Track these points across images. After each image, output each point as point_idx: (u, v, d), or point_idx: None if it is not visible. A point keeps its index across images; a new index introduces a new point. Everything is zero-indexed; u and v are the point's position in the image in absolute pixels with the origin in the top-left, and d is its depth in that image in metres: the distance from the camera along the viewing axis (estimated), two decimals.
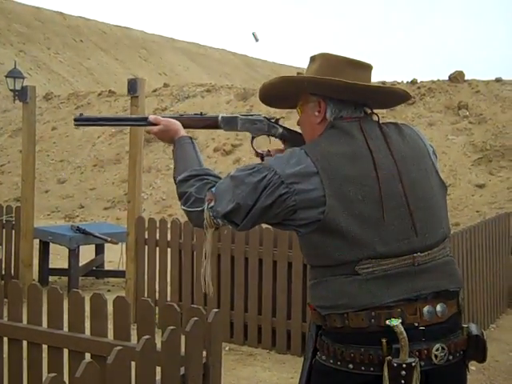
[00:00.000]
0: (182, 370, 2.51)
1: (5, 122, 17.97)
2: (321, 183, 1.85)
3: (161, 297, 6.12)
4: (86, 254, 8.28)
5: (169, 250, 6.08)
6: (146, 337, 2.35)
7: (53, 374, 2.04)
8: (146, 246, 6.22)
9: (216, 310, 2.74)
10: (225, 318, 5.64)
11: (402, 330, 1.82)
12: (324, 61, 2.03)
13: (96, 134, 16.37)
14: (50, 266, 7.98)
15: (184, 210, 2.02)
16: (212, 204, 1.94)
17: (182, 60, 37.64)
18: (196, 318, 2.59)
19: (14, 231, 7.15)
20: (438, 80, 15.04)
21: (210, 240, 2.02)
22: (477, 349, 1.98)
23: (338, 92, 1.97)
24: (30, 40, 25.28)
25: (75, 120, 2.30)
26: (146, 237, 6.21)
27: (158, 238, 6.14)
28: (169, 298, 6.07)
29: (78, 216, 13.83)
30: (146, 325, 2.83)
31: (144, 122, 2.29)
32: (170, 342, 2.43)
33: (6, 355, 3.36)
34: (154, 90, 18.40)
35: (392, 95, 2.10)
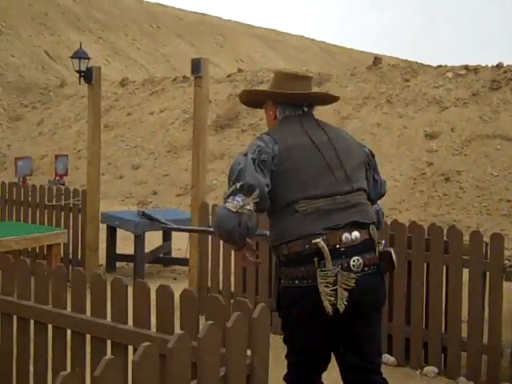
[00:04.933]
0: (223, 371, 2.23)
1: (82, 107, 18.19)
2: (278, 149, 2.82)
3: (224, 286, 5.88)
4: (155, 240, 8.15)
5: None
6: (180, 332, 2.10)
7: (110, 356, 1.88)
8: None
9: (263, 304, 2.45)
10: None
11: (324, 244, 2.69)
12: (275, 76, 3.14)
13: (170, 119, 16.33)
14: (118, 251, 7.91)
15: None
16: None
17: (259, 46, 37.40)
18: (239, 313, 2.31)
19: (80, 215, 7.06)
20: None
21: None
22: (387, 261, 2.85)
23: (282, 99, 3.00)
24: (109, 27, 25.58)
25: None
26: (210, 224, 5.98)
27: None
28: (232, 289, 5.83)
29: (150, 202, 13.80)
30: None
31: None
32: (207, 339, 2.15)
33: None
34: (228, 76, 18.19)
35: (324, 97, 3.33)
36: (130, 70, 24.12)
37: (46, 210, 7.29)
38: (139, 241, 7.12)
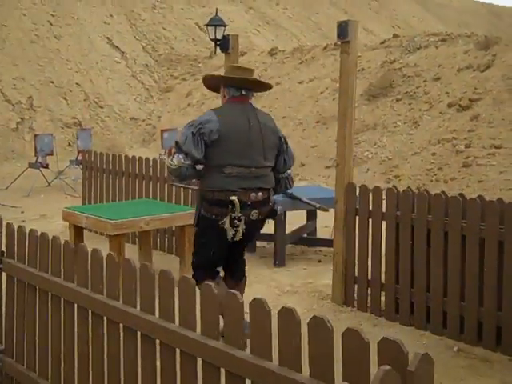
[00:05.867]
0: None
1: None
2: (218, 124, 4.18)
3: (373, 277, 5.18)
4: (301, 218, 7.57)
5: (383, 222, 5.09)
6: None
7: None
8: (358, 217, 5.29)
9: (422, 353, 1.73)
10: (453, 310, 4.57)
11: (237, 201, 4.18)
12: (226, 68, 4.90)
13: (319, 89, 15.60)
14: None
15: None
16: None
17: (417, 10, 35.48)
18: (388, 368, 1.61)
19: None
20: None
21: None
22: (272, 213, 4.51)
23: (228, 81, 4.38)
24: None
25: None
26: (357, 206, 5.28)
27: (371, 208, 5.18)
28: (383, 279, 5.11)
29: (298, 175, 13.21)
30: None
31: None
32: None
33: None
34: (382, 42, 17.09)
35: (259, 84, 4.67)
36: (281, 39, 23.56)
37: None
38: (279, 221, 6.56)
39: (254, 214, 4.28)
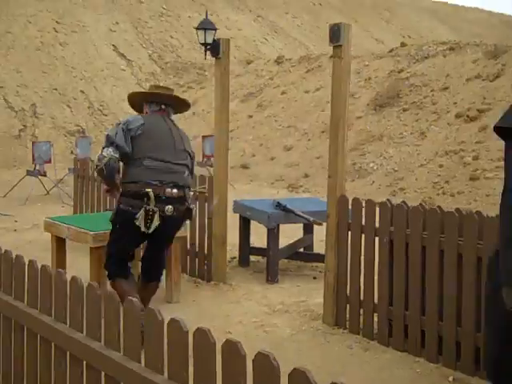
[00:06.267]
0: None
1: (236, 86, 17.68)
2: (143, 121, 4.66)
3: (366, 298, 4.85)
4: (298, 232, 7.26)
5: (377, 239, 4.77)
6: None
7: None
8: (350, 232, 4.97)
9: None
10: (449, 335, 4.24)
11: (152, 194, 4.45)
12: (149, 87, 5.25)
13: (326, 98, 15.30)
14: (258, 241, 7.11)
15: None
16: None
17: (428, 21, 35.16)
18: None
19: (206, 204, 6.31)
20: None
21: None
22: (189, 212, 4.80)
23: (149, 97, 4.91)
24: (269, 5, 24.90)
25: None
26: (350, 220, 4.96)
27: (363, 223, 4.87)
28: (376, 300, 4.79)
29: (301, 186, 12.94)
30: None
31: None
32: None
33: None
34: (390, 51, 16.79)
35: (178, 101, 5.05)
36: (289, 47, 23.31)
37: None
38: (272, 234, 6.25)
39: (169, 210, 4.54)
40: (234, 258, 7.13)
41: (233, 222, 7.02)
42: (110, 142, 4.51)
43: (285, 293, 6.02)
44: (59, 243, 5.90)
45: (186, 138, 4.93)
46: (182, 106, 5.08)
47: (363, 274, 4.87)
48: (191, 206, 4.80)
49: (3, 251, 3.18)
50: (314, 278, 6.53)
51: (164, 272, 5.68)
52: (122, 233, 4.63)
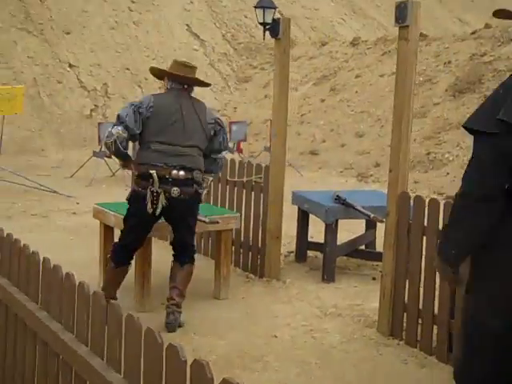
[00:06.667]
0: None
1: (309, 69, 17.14)
2: (153, 103, 4.67)
3: (425, 307, 4.38)
4: (359, 227, 6.81)
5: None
6: None
7: None
8: (410, 233, 4.51)
9: None
10: None
11: (155, 175, 4.53)
12: (172, 63, 4.95)
13: None
14: (318, 236, 6.68)
15: None
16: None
17: None
18: None
19: (262, 195, 5.95)
20: None
21: None
22: (197, 195, 4.74)
23: (170, 77, 4.85)
24: None
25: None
26: (411, 220, 4.49)
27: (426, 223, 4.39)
28: (436, 310, 4.32)
29: (371, 175, 12.38)
30: None
31: None
32: None
33: None
34: (473, 33, 15.85)
35: (198, 82, 5.01)
36: (368, 29, 22.52)
37: (228, 187, 6.32)
38: (330, 230, 5.83)
39: (175, 191, 4.55)
40: (292, 252, 6.75)
41: (292, 213, 6.64)
42: (120, 121, 4.59)
43: (340, 294, 5.60)
44: (107, 231, 5.68)
45: (204, 113, 4.85)
46: (204, 84, 5.18)
47: (423, 279, 4.41)
48: (200, 190, 4.76)
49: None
50: (374, 278, 6.06)
51: (213, 265, 5.41)
52: (132, 213, 4.74)
